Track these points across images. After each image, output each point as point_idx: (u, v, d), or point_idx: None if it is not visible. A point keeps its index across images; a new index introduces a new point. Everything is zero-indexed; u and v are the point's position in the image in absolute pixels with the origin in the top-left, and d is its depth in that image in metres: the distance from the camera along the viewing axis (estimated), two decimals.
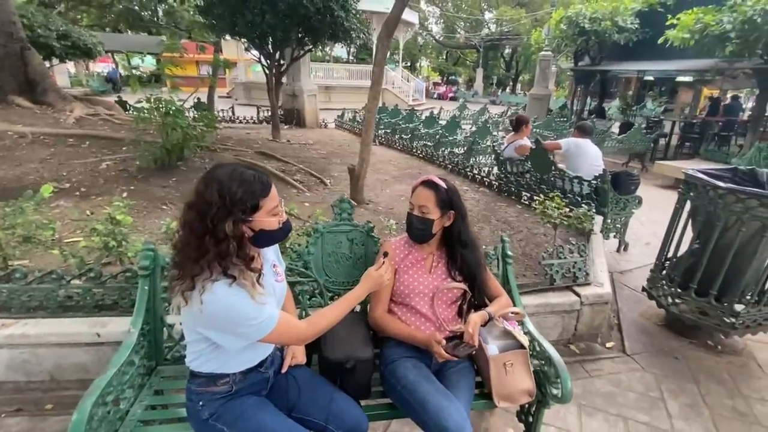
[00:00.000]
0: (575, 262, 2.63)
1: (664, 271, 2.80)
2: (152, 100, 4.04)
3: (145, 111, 4.13)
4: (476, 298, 1.60)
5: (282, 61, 7.02)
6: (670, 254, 2.78)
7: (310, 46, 6.93)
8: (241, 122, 9.83)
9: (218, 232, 1.02)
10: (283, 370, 1.36)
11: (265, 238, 1.15)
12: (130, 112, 7.21)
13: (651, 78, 16.58)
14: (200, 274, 1.03)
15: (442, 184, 1.53)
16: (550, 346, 1.53)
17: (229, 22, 5.87)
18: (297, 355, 1.42)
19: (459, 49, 37.63)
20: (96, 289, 1.96)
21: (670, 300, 2.65)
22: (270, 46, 6.67)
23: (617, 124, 10.21)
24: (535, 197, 3.99)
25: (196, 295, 1.02)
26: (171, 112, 4.08)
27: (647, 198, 4.09)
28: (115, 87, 17.44)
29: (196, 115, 5.99)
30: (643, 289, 2.91)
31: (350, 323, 1.53)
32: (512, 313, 1.58)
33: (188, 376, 1.22)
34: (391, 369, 1.44)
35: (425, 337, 1.44)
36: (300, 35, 6.40)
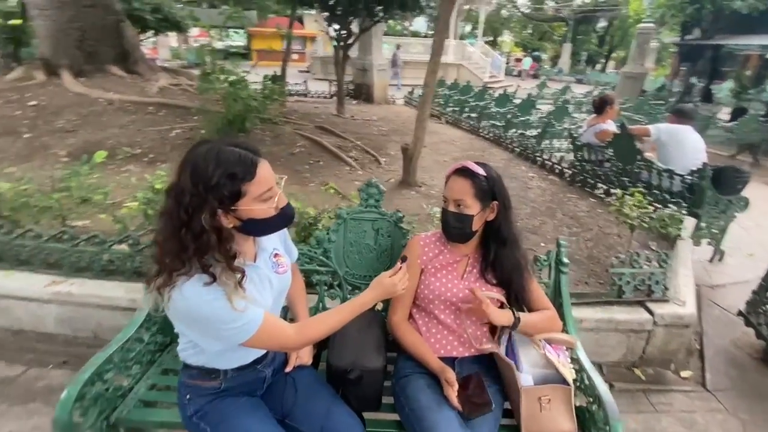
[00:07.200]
0: (652, 273, 2.18)
1: None
2: (215, 70, 4.12)
3: (212, 80, 4.24)
4: (516, 309, 1.32)
5: (349, 34, 6.86)
6: None
7: (379, 17, 6.67)
8: (312, 96, 9.94)
9: (195, 225, 0.88)
10: (287, 370, 1.24)
11: (257, 227, 0.99)
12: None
13: None
14: (180, 270, 0.90)
15: (480, 170, 1.26)
16: (601, 382, 1.24)
17: None
18: (301, 354, 1.28)
19: (546, 22, 34.37)
20: (135, 256, 2.01)
21: None
22: (337, 18, 6.53)
23: (726, 109, 8.64)
24: (613, 191, 3.49)
25: (167, 291, 0.91)
26: (233, 83, 4.14)
27: (756, 198, 3.36)
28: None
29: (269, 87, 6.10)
30: (740, 313, 2.41)
31: (366, 324, 1.37)
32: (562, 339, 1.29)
33: (181, 367, 1.15)
34: (403, 384, 1.26)
35: (437, 369, 1.24)
36: (369, 5, 6.17)
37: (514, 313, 1.25)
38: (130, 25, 7.35)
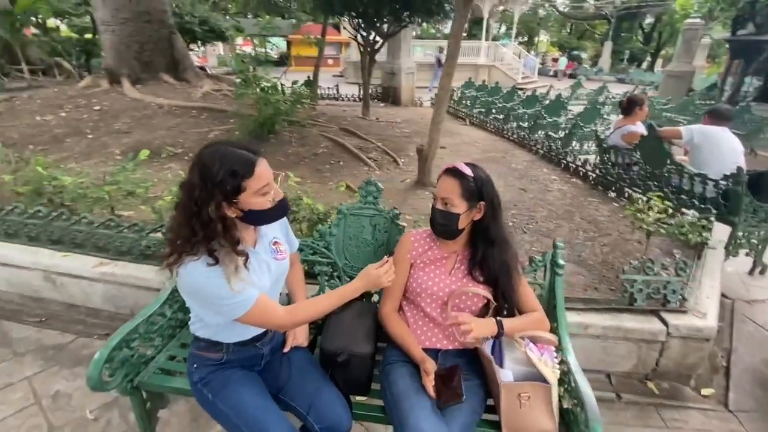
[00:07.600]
0: (668, 282, 2.10)
1: None
2: (248, 77, 4.40)
3: (244, 86, 4.54)
4: (503, 308, 1.37)
5: (376, 39, 7.04)
6: None
7: (405, 23, 6.80)
8: (343, 100, 10.22)
9: (203, 215, 1.03)
10: (285, 350, 1.37)
11: (257, 218, 1.13)
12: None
13: None
14: (189, 252, 1.06)
15: (469, 171, 1.32)
16: (586, 386, 1.25)
17: (326, 0, 6.03)
18: (298, 336, 1.41)
19: (586, 20, 33.04)
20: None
21: None
22: (364, 24, 6.72)
23: None
24: (638, 195, 3.36)
25: (176, 268, 1.07)
26: (264, 88, 4.40)
27: None
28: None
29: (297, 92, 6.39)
30: None
31: (359, 313, 1.47)
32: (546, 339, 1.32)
33: (192, 339, 1.30)
34: (387, 371, 1.35)
35: (419, 359, 1.32)
36: (395, 10, 6.31)
37: (499, 328, 1.28)
38: (180, 37, 7.94)
